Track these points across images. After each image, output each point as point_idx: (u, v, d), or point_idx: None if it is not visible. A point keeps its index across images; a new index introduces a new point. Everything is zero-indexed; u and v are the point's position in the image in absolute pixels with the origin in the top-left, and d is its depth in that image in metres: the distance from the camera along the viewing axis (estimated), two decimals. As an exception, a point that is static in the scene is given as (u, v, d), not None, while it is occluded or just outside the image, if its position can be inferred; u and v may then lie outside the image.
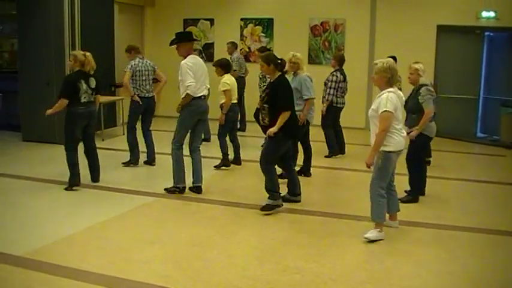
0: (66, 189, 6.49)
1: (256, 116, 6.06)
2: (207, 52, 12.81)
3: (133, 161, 7.76)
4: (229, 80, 7.58)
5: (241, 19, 12.60)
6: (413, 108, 6.12)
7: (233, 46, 10.84)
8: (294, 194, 6.17)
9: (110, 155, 8.34)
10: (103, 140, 9.54)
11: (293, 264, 4.48)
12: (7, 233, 5.10)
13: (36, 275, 4.17)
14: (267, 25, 12.42)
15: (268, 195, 5.82)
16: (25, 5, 9.45)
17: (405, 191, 6.29)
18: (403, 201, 5.98)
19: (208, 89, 6.57)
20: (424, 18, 11.02)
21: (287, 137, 5.81)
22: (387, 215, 5.28)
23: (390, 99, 4.82)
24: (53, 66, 9.19)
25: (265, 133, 5.82)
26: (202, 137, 7.77)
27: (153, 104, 7.94)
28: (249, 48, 12.59)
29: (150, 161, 7.88)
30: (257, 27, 12.52)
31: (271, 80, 5.87)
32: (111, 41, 10.72)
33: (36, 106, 9.33)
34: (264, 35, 12.48)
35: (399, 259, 4.62)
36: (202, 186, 6.47)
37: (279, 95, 5.68)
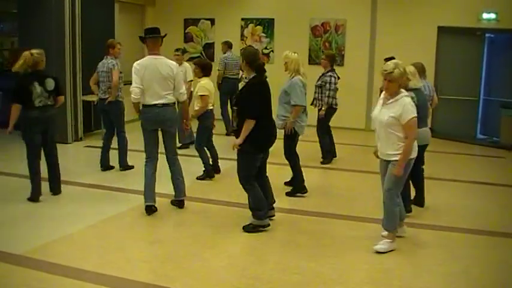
0: (28, 199, 5.96)
1: None
2: (207, 52, 12.81)
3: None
4: (208, 84, 7.02)
5: (242, 19, 12.60)
6: None
7: (225, 45, 10.55)
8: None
9: (110, 154, 8.33)
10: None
11: (293, 264, 4.48)
12: (6, 232, 5.09)
13: (36, 273, 4.16)
14: (267, 25, 12.41)
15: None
16: (26, 3, 9.46)
17: None
18: None
19: (191, 94, 6.18)
20: (424, 19, 11.01)
21: (255, 150, 5.12)
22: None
23: (412, 104, 4.57)
24: (53, 65, 9.16)
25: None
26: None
27: None
28: (249, 48, 12.57)
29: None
30: (258, 27, 12.51)
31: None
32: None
33: (36, 105, 9.35)
34: (264, 35, 12.47)
35: (399, 260, 4.61)
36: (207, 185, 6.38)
37: (243, 99, 5.09)
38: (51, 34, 9.20)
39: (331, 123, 8.35)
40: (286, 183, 6.78)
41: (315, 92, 8.13)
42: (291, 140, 6.46)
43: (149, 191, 5.65)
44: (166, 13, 12.95)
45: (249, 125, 4.96)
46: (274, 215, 5.49)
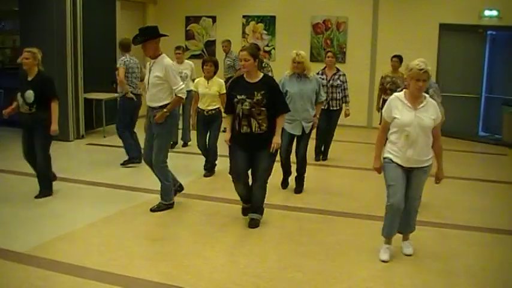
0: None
1: None
2: (209, 50, 12.80)
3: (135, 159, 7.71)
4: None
5: (244, 16, 12.59)
6: None
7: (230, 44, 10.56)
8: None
9: (111, 152, 8.35)
10: (104, 137, 9.56)
11: (294, 262, 4.48)
12: (8, 230, 5.10)
13: (37, 271, 4.17)
14: (269, 23, 12.39)
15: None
16: (27, 1, 9.45)
17: None
18: None
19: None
20: (426, 16, 10.99)
21: (236, 146, 5.15)
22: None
23: (437, 105, 4.47)
24: (55, 63, 9.18)
25: None
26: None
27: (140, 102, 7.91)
28: (250, 45, 12.56)
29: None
30: (259, 24, 12.50)
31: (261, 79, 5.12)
32: (113, 38, 10.70)
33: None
34: (266, 32, 12.45)
35: (400, 257, 4.61)
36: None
37: (274, 95, 5.08)
38: (53, 32, 9.20)
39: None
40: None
41: (332, 92, 7.96)
42: (309, 138, 6.58)
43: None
44: (167, 10, 12.96)
45: (284, 119, 5.20)
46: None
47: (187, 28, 13.05)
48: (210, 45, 12.89)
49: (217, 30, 12.70)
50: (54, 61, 9.20)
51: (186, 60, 9.01)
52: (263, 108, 4.95)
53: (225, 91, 6.52)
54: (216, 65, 7.06)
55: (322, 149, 8.36)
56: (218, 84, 7.01)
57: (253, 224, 5.27)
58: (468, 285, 4.18)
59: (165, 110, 5.46)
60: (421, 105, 4.31)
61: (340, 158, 8.47)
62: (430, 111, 4.32)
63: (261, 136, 5.02)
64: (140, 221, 5.49)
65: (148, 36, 5.44)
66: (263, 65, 8.43)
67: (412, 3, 11.20)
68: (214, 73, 7.04)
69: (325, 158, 8.38)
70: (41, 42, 9.27)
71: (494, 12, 10.55)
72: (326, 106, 7.83)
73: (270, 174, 5.26)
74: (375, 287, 4.08)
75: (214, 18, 12.84)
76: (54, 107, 6.01)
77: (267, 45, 12.39)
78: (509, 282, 4.31)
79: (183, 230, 5.24)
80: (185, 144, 8.97)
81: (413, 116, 4.29)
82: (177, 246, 4.82)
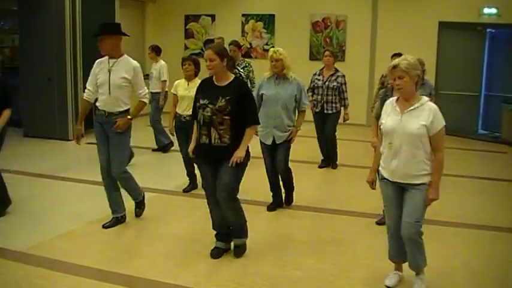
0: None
1: None
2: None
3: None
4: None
5: (243, 15, 12.59)
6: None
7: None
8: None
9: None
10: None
11: (294, 260, 4.48)
12: (8, 228, 5.10)
13: (37, 270, 4.17)
14: (268, 21, 12.39)
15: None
16: (26, 0, 9.44)
17: None
18: None
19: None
20: (425, 14, 10.99)
21: (249, 159, 4.44)
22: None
23: (436, 111, 3.67)
24: (54, 62, 9.19)
25: None
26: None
27: None
28: (250, 44, 12.58)
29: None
30: (258, 23, 12.50)
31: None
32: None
33: (37, 102, 9.37)
34: (265, 31, 12.45)
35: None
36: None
37: (243, 103, 4.30)
38: (52, 31, 9.21)
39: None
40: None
41: (327, 94, 7.51)
42: (289, 150, 5.71)
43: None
44: (166, 9, 12.95)
45: (253, 132, 4.41)
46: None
47: (187, 27, 13.04)
48: (210, 44, 12.85)
49: (217, 29, 12.69)
50: (53, 60, 9.21)
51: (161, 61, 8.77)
52: (226, 117, 4.18)
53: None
54: (195, 63, 6.28)
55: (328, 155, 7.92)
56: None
57: (238, 253, 4.56)
58: (467, 283, 4.18)
59: (129, 116, 5.01)
60: (410, 108, 3.66)
61: (339, 156, 8.46)
62: (422, 117, 3.62)
63: (221, 150, 4.24)
64: (140, 219, 5.48)
65: (107, 31, 5.00)
66: (243, 65, 7.53)
67: (412, 1, 11.21)
68: (196, 73, 6.30)
69: (334, 166, 7.87)
70: (40, 42, 9.34)
71: (494, 10, 10.56)
72: (320, 109, 7.58)
73: (232, 195, 4.35)
74: (374, 285, 4.08)
75: (213, 17, 12.84)
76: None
77: (266, 44, 12.38)
78: (509, 281, 4.31)
79: (184, 229, 5.24)
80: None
81: (398, 121, 3.69)
82: (177, 244, 4.82)
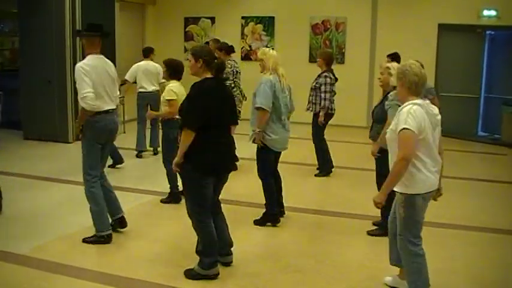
0: None
1: None
2: (208, 50, 12.79)
3: None
4: (177, 88, 5.82)
5: (242, 17, 12.59)
6: (378, 117, 5.02)
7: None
8: (222, 254, 4.32)
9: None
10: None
11: (293, 262, 4.48)
12: (8, 231, 5.10)
13: (37, 273, 4.17)
14: (268, 23, 12.40)
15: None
16: (26, 3, 9.46)
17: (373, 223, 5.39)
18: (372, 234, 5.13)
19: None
20: (425, 16, 11.00)
21: (201, 174, 4.01)
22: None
23: (413, 113, 3.43)
24: (54, 64, 9.19)
25: None
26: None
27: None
28: (249, 46, 12.59)
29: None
30: (258, 25, 12.50)
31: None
32: (112, 39, 10.70)
33: (37, 104, 9.36)
34: (265, 33, 12.46)
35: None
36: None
37: (185, 105, 4.09)
38: (52, 33, 9.21)
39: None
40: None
41: (310, 95, 7.34)
42: (262, 156, 5.33)
43: (105, 218, 4.90)
44: (166, 12, 12.96)
45: (186, 138, 3.95)
46: (231, 261, 4.37)
47: (186, 29, 13.04)
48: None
49: (216, 31, 12.68)
50: (53, 63, 9.21)
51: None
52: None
53: (170, 97, 5.75)
54: (167, 66, 5.99)
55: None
56: (167, 89, 5.94)
57: (185, 274, 4.20)
58: (467, 285, 4.18)
59: (76, 120, 4.84)
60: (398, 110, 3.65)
61: (338, 158, 8.46)
62: (394, 121, 3.60)
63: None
64: (140, 222, 5.48)
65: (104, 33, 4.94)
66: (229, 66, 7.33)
67: (411, 3, 11.21)
68: (170, 75, 6.00)
69: (325, 174, 7.49)
70: (40, 44, 9.35)
71: (493, 12, 10.57)
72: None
73: (191, 210, 4.18)
74: (374, 287, 4.08)
75: (213, 19, 12.84)
76: None
77: (266, 46, 12.33)
78: (509, 283, 4.31)
79: (182, 231, 5.23)
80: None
81: None
82: (177, 247, 4.82)
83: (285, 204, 5.80)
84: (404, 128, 3.41)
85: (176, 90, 5.79)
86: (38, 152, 8.74)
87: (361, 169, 7.59)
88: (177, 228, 5.35)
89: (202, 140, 3.95)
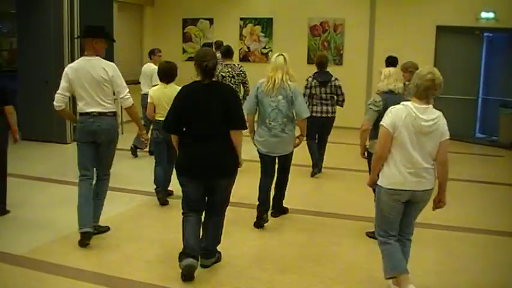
0: None
1: None
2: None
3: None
4: (156, 91, 5.94)
5: (241, 19, 12.60)
6: None
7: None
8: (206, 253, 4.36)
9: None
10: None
11: (292, 264, 4.48)
12: (6, 232, 5.09)
13: (35, 274, 4.17)
14: (266, 25, 12.41)
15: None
16: (24, 4, 9.45)
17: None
18: None
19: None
20: (423, 18, 11.02)
21: (176, 170, 4.25)
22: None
23: (391, 110, 3.73)
24: (52, 65, 9.17)
25: None
26: None
27: None
28: (248, 47, 12.59)
29: None
30: (256, 26, 12.52)
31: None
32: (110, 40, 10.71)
33: (35, 105, 9.34)
34: (263, 34, 12.47)
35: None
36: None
37: None
38: (50, 34, 9.21)
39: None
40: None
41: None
42: (259, 156, 5.50)
43: (81, 216, 4.72)
44: (164, 13, 12.96)
45: (173, 138, 4.27)
46: (194, 266, 4.12)
47: (185, 30, 13.05)
48: (208, 47, 12.85)
49: (215, 33, 12.71)
50: (51, 64, 9.20)
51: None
52: None
53: (148, 99, 5.95)
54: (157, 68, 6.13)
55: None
56: None
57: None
58: (466, 287, 4.18)
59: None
60: None
61: (336, 160, 8.47)
62: None
63: None
64: (138, 223, 5.48)
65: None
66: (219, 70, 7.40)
67: (409, 5, 11.22)
68: (159, 78, 6.05)
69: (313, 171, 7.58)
70: (38, 45, 9.34)
71: (491, 14, 10.59)
72: None
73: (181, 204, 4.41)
74: (372, 289, 4.08)
75: (211, 21, 12.85)
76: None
77: (264, 48, 12.41)
78: (509, 284, 4.32)
79: (179, 232, 5.22)
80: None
81: None
82: (175, 248, 4.80)
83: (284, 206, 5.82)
84: (380, 125, 3.74)
85: (152, 94, 5.92)
86: (36, 152, 8.72)
87: (360, 170, 7.58)
88: (176, 229, 5.33)
89: (181, 141, 4.20)
